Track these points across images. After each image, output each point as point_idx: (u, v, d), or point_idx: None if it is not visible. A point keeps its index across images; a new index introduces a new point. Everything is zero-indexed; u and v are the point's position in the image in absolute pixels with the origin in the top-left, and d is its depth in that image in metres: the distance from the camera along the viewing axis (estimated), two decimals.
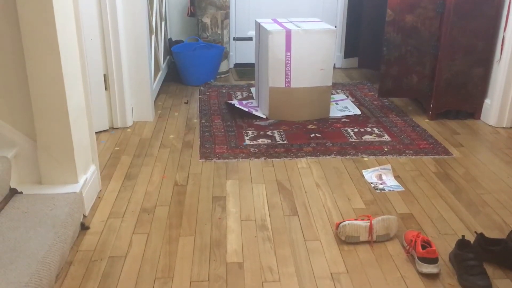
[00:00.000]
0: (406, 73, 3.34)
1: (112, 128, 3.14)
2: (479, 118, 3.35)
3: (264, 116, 3.32)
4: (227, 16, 4.22)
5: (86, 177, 2.18)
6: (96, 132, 2.80)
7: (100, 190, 2.38)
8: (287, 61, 3.15)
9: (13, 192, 2.00)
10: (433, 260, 1.80)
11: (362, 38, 4.24)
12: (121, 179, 2.51)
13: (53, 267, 1.65)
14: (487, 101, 3.30)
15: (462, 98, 3.31)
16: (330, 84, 3.29)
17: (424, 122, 3.30)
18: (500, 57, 3.14)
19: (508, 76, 3.12)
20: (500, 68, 3.14)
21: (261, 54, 3.37)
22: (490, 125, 3.24)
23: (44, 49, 1.89)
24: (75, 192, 2.04)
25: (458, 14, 3.10)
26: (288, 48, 3.13)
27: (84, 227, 2.06)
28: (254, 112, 3.36)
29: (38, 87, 1.95)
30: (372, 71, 4.44)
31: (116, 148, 2.87)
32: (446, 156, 2.79)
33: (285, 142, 2.96)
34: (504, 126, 3.21)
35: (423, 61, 3.30)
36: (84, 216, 2.14)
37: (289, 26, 3.23)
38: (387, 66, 3.34)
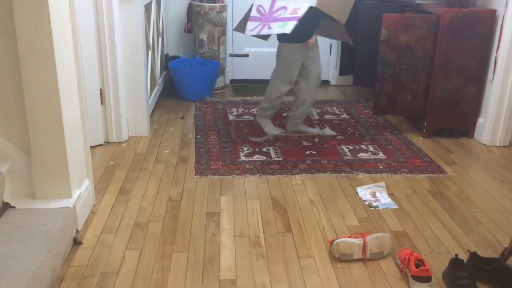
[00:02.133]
0: (400, 91, 3.38)
1: (107, 142, 3.14)
2: (472, 136, 3.37)
3: (311, 4, 2.90)
4: (223, 32, 4.26)
5: (80, 192, 2.17)
6: (91, 146, 2.79)
7: (93, 205, 2.37)
8: None
9: (6, 206, 1.99)
10: (426, 279, 1.80)
11: (357, 56, 4.28)
12: (115, 193, 2.50)
13: (45, 283, 1.63)
14: (480, 120, 3.33)
15: (455, 117, 3.34)
16: None
17: (418, 140, 3.32)
18: (493, 77, 3.17)
19: (501, 95, 3.15)
20: (493, 88, 3.18)
21: None
22: (483, 144, 3.27)
23: (41, 63, 1.90)
24: (68, 207, 2.03)
25: (451, 34, 3.15)
26: None
27: (76, 242, 2.04)
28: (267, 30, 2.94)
29: (33, 101, 1.96)
30: (367, 88, 4.47)
31: (111, 163, 2.86)
32: (440, 175, 2.80)
33: (280, 158, 2.97)
34: (497, 145, 3.24)
35: (417, 79, 3.33)
36: (77, 231, 2.12)
37: None
38: (381, 84, 3.37)
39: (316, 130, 3.38)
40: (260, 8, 3.04)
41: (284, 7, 2.94)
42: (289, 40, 3.02)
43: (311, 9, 2.84)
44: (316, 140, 3.27)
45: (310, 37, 3.08)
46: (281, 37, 3.09)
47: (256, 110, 3.87)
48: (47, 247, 1.76)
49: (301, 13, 2.83)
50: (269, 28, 2.89)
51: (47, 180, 2.07)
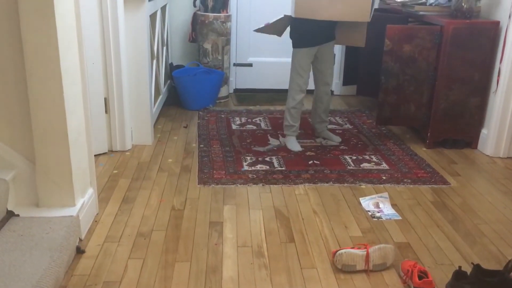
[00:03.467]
0: (403, 102, 3.38)
1: (111, 151, 3.15)
2: (476, 147, 3.37)
3: (283, 15, 3.03)
4: (228, 42, 4.28)
5: (84, 200, 2.18)
6: (95, 155, 2.81)
7: (97, 213, 2.37)
8: None
9: (10, 214, 2.00)
10: None
11: (361, 66, 4.30)
12: (118, 202, 2.51)
13: None
14: (484, 131, 3.33)
15: (459, 128, 3.34)
16: None
17: (422, 151, 3.32)
18: (497, 88, 3.18)
19: (504, 106, 3.15)
20: (497, 99, 3.18)
21: None
22: (487, 155, 3.26)
23: (47, 73, 1.92)
24: (72, 216, 2.04)
25: (455, 45, 3.16)
26: None
27: (79, 251, 2.05)
28: (271, 22, 3.12)
29: (39, 110, 1.97)
30: (370, 98, 4.48)
31: (115, 171, 2.87)
32: (443, 185, 2.79)
33: (283, 168, 2.97)
34: (501, 156, 3.23)
35: (421, 90, 3.34)
36: (80, 240, 2.13)
37: None
38: (385, 94, 3.38)
39: (337, 138, 3.42)
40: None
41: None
42: (298, 45, 3.09)
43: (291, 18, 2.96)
44: (319, 149, 3.27)
45: (321, 42, 3.09)
46: (293, 43, 3.14)
47: (259, 119, 3.89)
48: (50, 256, 1.76)
49: (273, 19, 3.05)
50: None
51: (51, 188, 2.07)
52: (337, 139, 3.42)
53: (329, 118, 3.57)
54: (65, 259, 1.85)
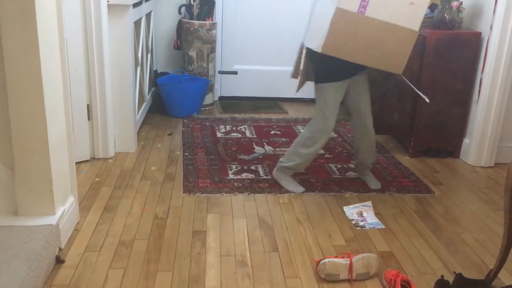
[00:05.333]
0: (387, 111, 3.41)
1: (93, 158, 3.11)
2: (458, 156, 3.41)
3: (310, 47, 2.44)
4: (213, 50, 4.28)
5: (64, 209, 2.14)
6: (77, 162, 2.77)
7: (77, 222, 2.33)
8: None
9: None
10: None
11: None
12: (100, 211, 2.47)
13: None
14: (466, 141, 3.37)
15: (441, 137, 3.37)
16: (417, 30, 2.30)
17: (405, 159, 3.34)
18: (478, 98, 3.22)
19: (486, 116, 3.20)
20: (478, 109, 3.22)
21: None
22: (469, 164, 3.30)
23: (27, 80, 1.89)
24: (51, 224, 2.00)
25: (437, 55, 3.20)
26: None
27: (59, 261, 2.01)
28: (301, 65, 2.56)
29: (18, 117, 1.94)
30: None
31: (97, 179, 2.83)
32: (427, 194, 2.81)
33: (269, 177, 2.96)
34: (483, 166, 3.27)
35: (404, 100, 3.37)
36: (60, 249, 2.09)
37: None
38: None
39: (376, 184, 2.86)
40: None
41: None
42: (324, 79, 2.57)
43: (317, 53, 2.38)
44: None
45: (353, 74, 2.57)
46: (316, 77, 2.62)
47: (244, 127, 3.88)
48: (29, 266, 1.72)
49: (301, 64, 2.51)
50: None
51: (30, 197, 2.03)
52: (377, 185, 2.86)
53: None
54: (44, 269, 1.82)
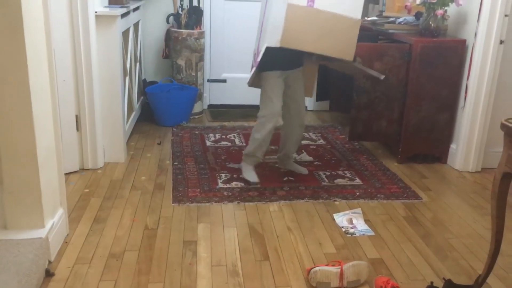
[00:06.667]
0: (375, 118, 3.44)
1: (82, 169, 3.09)
2: (445, 162, 3.44)
3: (269, 44, 2.63)
4: (201, 58, 4.29)
5: (53, 221, 2.13)
6: (66, 173, 2.75)
7: (67, 234, 2.32)
8: None
9: None
10: None
11: (333, 82, 4.36)
12: (89, 222, 2.45)
13: None
14: (452, 146, 3.41)
15: (429, 143, 3.41)
16: (359, 18, 2.62)
17: (394, 166, 3.37)
18: (464, 104, 3.27)
19: (472, 122, 3.24)
20: (465, 115, 3.27)
21: None
22: (456, 169, 3.33)
23: (15, 92, 1.88)
24: (41, 238, 1.99)
25: (423, 62, 3.24)
26: None
27: (49, 274, 1.99)
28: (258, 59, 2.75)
29: (6, 130, 1.92)
30: (343, 114, 4.54)
31: (86, 190, 2.82)
32: (415, 200, 2.84)
33: (258, 185, 2.96)
34: (470, 171, 3.31)
35: (392, 106, 3.40)
36: (50, 262, 2.07)
37: None
38: (357, 111, 3.43)
39: (303, 170, 3.16)
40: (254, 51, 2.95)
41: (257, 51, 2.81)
42: (267, 67, 2.82)
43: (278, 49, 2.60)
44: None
45: (291, 68, 2.86)
46: (260, 67, 2.83)
47: (234, 136, 3.89)
48: (18, 281, 1.71)
49: (259, 58, 2.70)
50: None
51: (19, 210, 2.02)
52: (304, 171, 3.16)
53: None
54: (33, 283, 1.80)
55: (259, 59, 2.73)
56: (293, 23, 2.55)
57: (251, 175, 2.99)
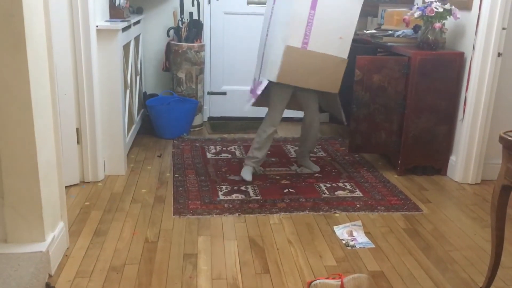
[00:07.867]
0: (374, 130, 3.45)
1: (83, 182, 3.10)
2: (445, 174, 3.45)
3: (267, 81, 3.02)
4: (201, 71, 4.32)
5: (54, 235, 2.13)
6: (66, 186, 2.75)
7: (67, 248, 2.32)
8: (309, 20, 2.91)
9: None
10: None
11: None
12: (90, 235, 2.45)
13: None
14: (452, 158, 3.42)
15: (428, 155, 3.42)
16: (346, 57, 3.02)
17: (394, 178, 3.38)
18: (463, 116, 3.28)
19: (471, 134, 3.25)
20: (464, 127, 3.28)
21: (277, 9, 3.06)
22: (456, 181, 3.34)
23: (17, 107, 1.90)
24: (41, 251, 1.99)
25: (422, 75, 3.26)
26: (313, 6, 2.90)
27: (49, 287, 1.99)
28: (258, 91, 3.10)
29: (8, 144, 1.94)
30: (342, 126, 4.55)
31: (86, 203, 2.82)
32: (415, 212, 2.84)
33: (259, 197, 2.97)
34: (469, 183, 3.31)
35: (391, 118, 3.42)
36: (50, 276, 2.07)
37: None
38: (356, 123, 3.44)
39: (315, 168, 3.45)
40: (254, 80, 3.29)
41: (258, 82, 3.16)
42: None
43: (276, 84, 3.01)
44: (294, 177, 3.29)
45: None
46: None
47: (234, 148, 3.90)
48: None
49: (259, 90, 3.04)
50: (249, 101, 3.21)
51: (20, 223, 2.02)
52: (315, 168, 3.44)
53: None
54: None
55: (259, 92, 3.06)
56: (289, 64, 2.94)
57: (246, 174, 3.23)
